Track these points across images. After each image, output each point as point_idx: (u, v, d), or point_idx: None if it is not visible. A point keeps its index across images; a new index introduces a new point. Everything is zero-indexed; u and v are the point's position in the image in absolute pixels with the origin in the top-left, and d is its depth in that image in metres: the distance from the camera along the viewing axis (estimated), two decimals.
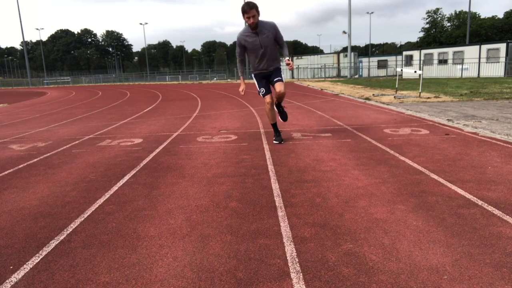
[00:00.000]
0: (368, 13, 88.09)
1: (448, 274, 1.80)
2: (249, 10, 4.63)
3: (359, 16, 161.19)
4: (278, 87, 4.99)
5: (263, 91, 5.11)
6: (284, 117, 5.44)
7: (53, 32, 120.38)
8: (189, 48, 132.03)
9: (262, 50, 4.88)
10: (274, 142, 5.13)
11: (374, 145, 4.74)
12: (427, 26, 68.81)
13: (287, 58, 4.87)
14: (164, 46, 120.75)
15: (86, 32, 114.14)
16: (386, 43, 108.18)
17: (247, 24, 4.83)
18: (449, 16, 69.33)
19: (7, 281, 1.89)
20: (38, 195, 3.21)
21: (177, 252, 2.11)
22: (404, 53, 33.99)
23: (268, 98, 5.06)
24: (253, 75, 5.24)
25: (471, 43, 35.99)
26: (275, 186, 3.22)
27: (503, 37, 54.82)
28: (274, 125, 5.28)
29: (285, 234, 2.28)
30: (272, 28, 4.85)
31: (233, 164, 4.02)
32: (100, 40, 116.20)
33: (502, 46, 25.91)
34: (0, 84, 60.41)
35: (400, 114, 7.55)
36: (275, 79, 5.03)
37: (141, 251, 2.14)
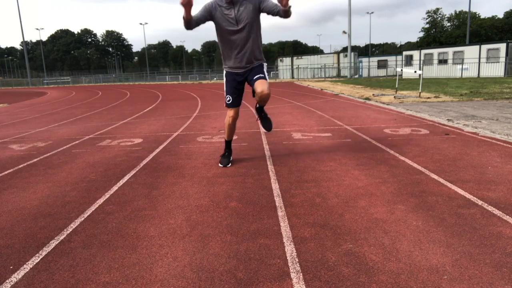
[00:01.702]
0: (368, 13, 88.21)
1: (448, 274, 1.80)
2: None
3: (359, 16, 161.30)
4: (260, 86, 3.59)
5: (229, 99, 3.79)
6: (268, 125, 4.09)
7: (53, 32, 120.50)
8: (189, 48, 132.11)
9: (237, 28, 3.51)
10: (220, 164, 3.95)
11: (374, 145, 4.74)
12: (427, 26, 68.81)
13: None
14: (164, 46, 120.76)
15: (86, 32, 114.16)
16: (386, 43, 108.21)
17: None
18: (449, 16, 69.37)
19: (7, 281, 1.89)
20: (38, 195, 3.21)
21: (177, 252, 2.11)
22: (404, 53, 33.98)
23: (232, 112, 3.84)
24: (224, 72, 3.88)
25: (471, 43, 36.00)
26: (275, 186, 3.22)
27: (503, 37, 54.83)
28: (228, 143, 4.05)
29: (285, 234, 2.28)
30: None
31: (233, 164, 4.02)
32: (100, 40, 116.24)
33: (502, 46, 25.90)
34: (0, 84, 60.41)
35: (400, 114, 7.55)
36: (255, 77, 3.68)
37: (141, 251, 2.14)
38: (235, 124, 3.95)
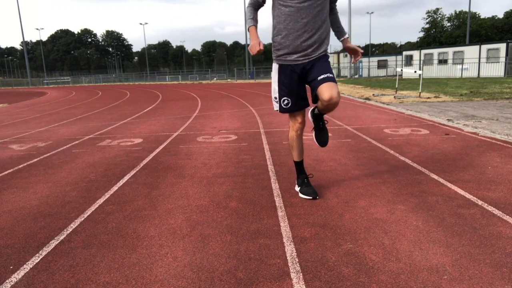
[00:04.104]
0: (368, 13, 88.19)
1: (448, 274, 1.80)
2: None
3: (359, 16, 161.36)
4: (328, 91, 2.59)
5: (287, 102, 2.80)
6: (324, 138, 3.03)
7: (53, 32, 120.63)
8: (189, 48, 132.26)
9: (306, 3, 2.59)
10: (304, 196, 2.91)
11: (374, 145, 4.74)
12: (427, 26, 68.89)
13: (346, 36, 2.90)
14: (164, 46, 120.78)
15: (86, 32, 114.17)
16: (386, 43, 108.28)
17: None
18: (449, 16, 69.47)
19: (7, 281, 1.89)
20: (38, 195, 3.21)
21: (177, 252, 2.11)
22: (404, 53, 33.99)
23: (299, 118, 2.85)
24: (275, 66, 2.83)
25: (471, 43, 35.98)
26: (275, 186, 3.22)
27: (503, 37, 54.85)
28: (299, 165, 3.03)
29: (285, 234, 2.28)
30: None
31: (233, 164, 4.02)
32: (100, 40, 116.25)
33: (502, 46, 25.91)
34: (0, 84, 60.40)
35: (400, 114, 7.55)
36: (320, 76, 2.65)
37: (141, 251, 2.14)
38: (302, 136, 2.93)
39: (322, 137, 3.03)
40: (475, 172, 3.43)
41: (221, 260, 2.00)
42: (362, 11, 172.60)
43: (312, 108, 2.97)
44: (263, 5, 2.85)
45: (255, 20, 2.77)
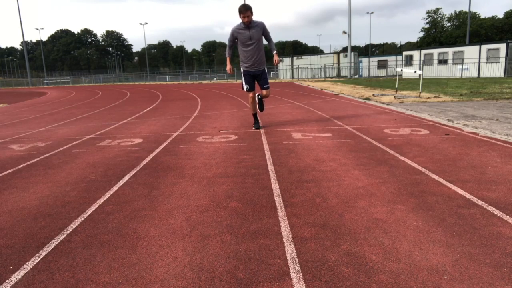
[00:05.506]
0: (368, 13, 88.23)
1: (448, 274, 1.80)
2: (245, 11, 5.75)
3: (359, 16, 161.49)
4: (265, 92, 6.43)
5: (247, 87, 6.23)
6: (261, 108, 6.59)
7: (53, 32, 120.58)
8: (189, 48, 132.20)
9: (251, 41, 5.94)
10: (253, 128, 6.31)
11: (374, 145, 4.74)
12: (427, 26, 68.91)
13: (275, 52, 6.09)
14: (164, 46, 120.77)
15: (86, 32, 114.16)
16: (386, 43, 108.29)
17: (242, 21, 5.85)
18: (449, 16, 69.47)
19: (7, 281, 1.89)
20: (38, 195, 3.21)
21: (177, 252, 2.11)
22: (404, 53, 33.98)
23: (251, 94, 6.27)
24: (242, 71, 6.16)
25: (471, 43, 35.99)
26: (275, 186, 3.22)
27: (503, 37, 54.87)
28: (255, 115, 6.50)
29: (285, 234, 2.28)
30: (261, 25, 6.00)
31: (233, 164, 4.02)
32: (100, 40, 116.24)
33: (502, 46, 25.90)
34: (0, 84, 60.39)
35: (400, 114, 7.55)
36: (264, 86, 6.30)
37: (141, 251, 2.14)
38: (255, 100, 6.35)
39: (261, 107, 6.49)
40: (475, 172, 3.43)
41: (221, 260, 2.00)
42: (362, 11, 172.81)
43: (258, 94, 6.38)
44: (234, 45, 6.15)
45: (229, 54, 6.27)
